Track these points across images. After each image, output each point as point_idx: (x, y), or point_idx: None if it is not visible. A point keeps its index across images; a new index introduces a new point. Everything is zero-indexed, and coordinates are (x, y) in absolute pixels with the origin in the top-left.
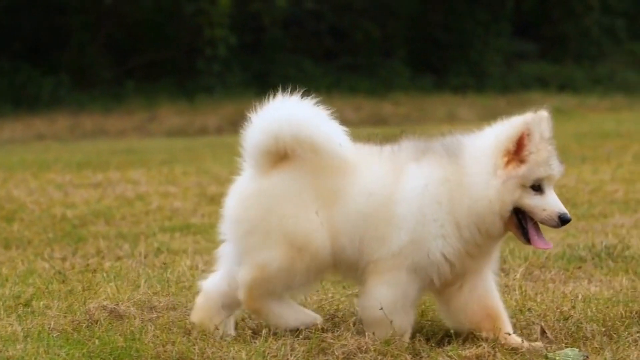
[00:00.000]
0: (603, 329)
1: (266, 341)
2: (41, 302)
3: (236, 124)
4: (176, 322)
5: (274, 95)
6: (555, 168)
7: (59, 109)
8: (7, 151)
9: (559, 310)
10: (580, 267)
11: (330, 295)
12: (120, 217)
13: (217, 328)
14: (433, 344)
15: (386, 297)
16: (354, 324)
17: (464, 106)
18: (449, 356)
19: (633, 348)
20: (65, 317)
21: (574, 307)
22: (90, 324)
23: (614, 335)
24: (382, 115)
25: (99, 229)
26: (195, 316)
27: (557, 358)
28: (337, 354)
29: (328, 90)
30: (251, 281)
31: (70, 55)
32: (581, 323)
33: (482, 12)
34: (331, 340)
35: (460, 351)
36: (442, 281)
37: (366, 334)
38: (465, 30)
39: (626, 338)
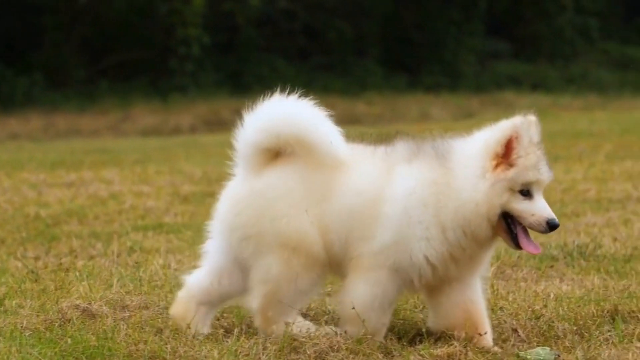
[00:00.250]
0: (574, 328)
1: (238, 340)
2: (14, 301)
3: (210, 123)
4: (148, 321)
5: (270, 94)
6: (545, 173)
7: (33, 109)
8: None
9: (530, 309)
10: (552, 266)
11: None
12: (94, 217)
13: (188, 327)
14: (405, 343)
15: (364, 294)
16: (326, 323)
17: (437, 105)
18: (421, 355)
19: (604, 347)
20: (37, 316)
21: (545, 306)
22: (62, 323)
23: (586, 334)
24: (355, 115)
25: (72, 228)
26: (174, 310)
27: (529, 357)
28: (309, 352)
29: (301, 89)
30: (263, 301)
31: (44, 55)
32: (553, 322)
33: (455, 11)
34: (303, 339)
35: (432, 350)
36: (423, 284)
37: (338, 332)
38: (438, 29)
39: (597, 337)
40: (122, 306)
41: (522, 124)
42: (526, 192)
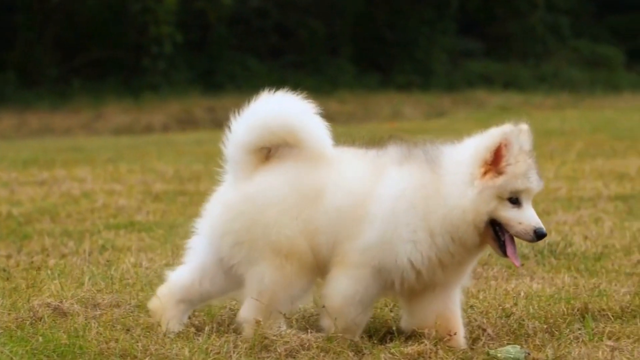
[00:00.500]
0: (545, 326)
1: (209, 338)
2: None
3: (182, 121)
4: (120, 319)
5: (255, 96)
6: (534, 182)
7: (5, 107)
8: None
9: (501, 307)
10: (522, 265)
11: None
12: (66, 215)
13: (159, 325)
14: (375, 341)
15: (347, 289)
16: (297, 321)
17: (410, 104)
18: (391, 353)
19: (574, 345)
20: (9, 314)
21: (516, 304)
22: (34, 321)
23: (556, 332)
24: (327, 113)
25: (44, 226)
26: (153, 304)
27: (499, 355)
28: (279, 350)
29: (273, 87)
30: (257, 311)
31: (17, 53)
32: (523, 320)
33: (427, 10)
34: (274, 337)
35: (402, 348)
36: (405, 288)
37: (308, 331)
38: (410, 28)
39: (568, 335)
40: (94, 304)
41: (512, 131)
42: (515, 200)
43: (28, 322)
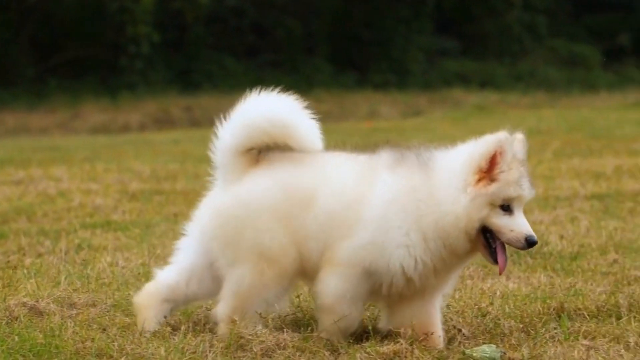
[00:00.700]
0: (521, 326)
1: (185, 337)
2: None
3: (159, 121)
4: (96, 319)
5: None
6: (526, 189)
7: None
8: None
9: (477, 306)
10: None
11: None
12: (42, 214)
13: (135, 324)
14: (351, 341)
15: (337, 287)
16: (273, 320)
17: (386, 103)
18: (367, 353)
19: (550, 344)
20: None
21: (492, 303)
22: (10, 321)
23: (532, 332)
24: None
25: (20, 225)
26: (139, 299)
27: (475, 354)
28: (255, 350)
29: (250, 87)
30: (232, 311)
31: None
32: (499, 319)
33: (403, 9)
34: (250, 337)
35: (378, 348)
36: (393, 292)
37: (284, 330)
38: (387, 27)
39: (543, 334)
40: (70, 304)
41: (507, 139)
42: (507, 208)
43: (4, 322)
